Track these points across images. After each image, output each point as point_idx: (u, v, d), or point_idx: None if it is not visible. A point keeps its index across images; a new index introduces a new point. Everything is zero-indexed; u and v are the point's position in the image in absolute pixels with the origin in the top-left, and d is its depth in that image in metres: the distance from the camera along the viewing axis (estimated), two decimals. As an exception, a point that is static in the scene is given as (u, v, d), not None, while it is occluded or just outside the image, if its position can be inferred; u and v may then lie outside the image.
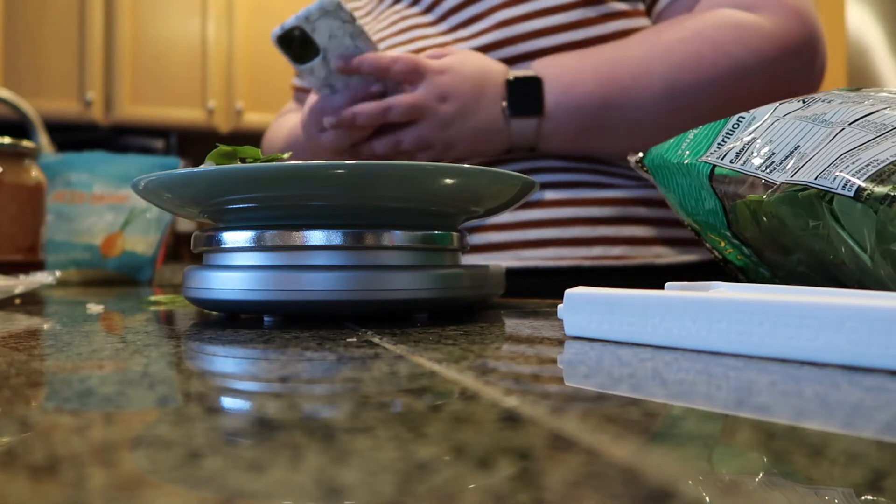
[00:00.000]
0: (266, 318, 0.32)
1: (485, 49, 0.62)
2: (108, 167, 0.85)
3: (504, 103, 0.57)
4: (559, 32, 0.61)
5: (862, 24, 1.84)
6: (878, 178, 0.29)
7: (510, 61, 0.61)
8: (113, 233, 0.83)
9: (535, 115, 0.57)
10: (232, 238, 0.32)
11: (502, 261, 0.61)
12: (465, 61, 0.57)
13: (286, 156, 0.36)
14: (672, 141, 0.40)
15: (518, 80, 0.57)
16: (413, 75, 0.55)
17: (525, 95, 0.57)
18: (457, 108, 0.56)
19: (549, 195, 0.62)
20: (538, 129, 0.58)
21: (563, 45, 0.61)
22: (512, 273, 0.59)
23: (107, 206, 0.83)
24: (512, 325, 0.32)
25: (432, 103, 0.55)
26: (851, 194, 0.29)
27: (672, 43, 0.57)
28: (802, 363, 0.20)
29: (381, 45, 0.68)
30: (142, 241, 0.84)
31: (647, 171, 0.42)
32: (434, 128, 0.56)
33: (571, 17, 0.61)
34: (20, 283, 0.47)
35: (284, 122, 0.80)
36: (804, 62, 0.58)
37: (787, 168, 0.33)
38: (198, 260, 0.38)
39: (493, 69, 0.58)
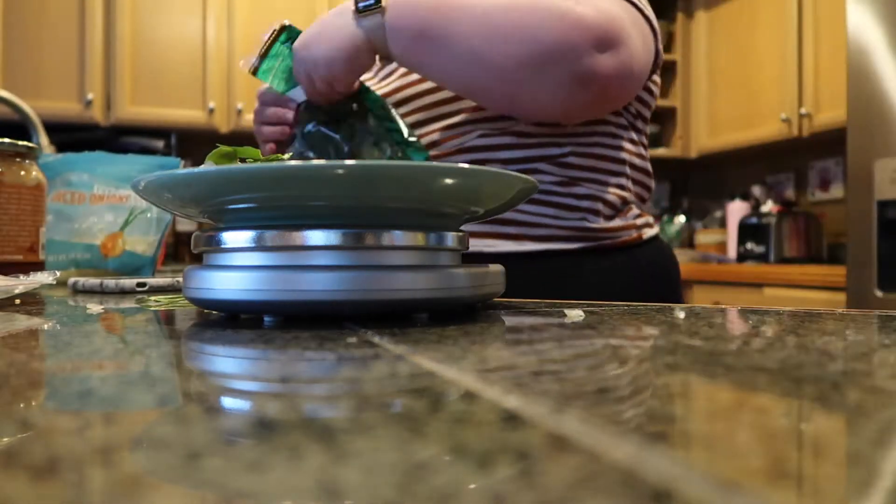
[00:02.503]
0: (266, 318, 0.32)
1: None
2: (108, 167, 0.85)
3: (354, 10, 0.67)
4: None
5: (862, 24, 1.84)
6: None
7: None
8: (113, 233, 0.83)
9: (377, 8, 0.65)
10: (232, 238, 0.32)
11: None
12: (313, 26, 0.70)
13: (286, 156, 0.36)
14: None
15: None
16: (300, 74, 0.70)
17: None
18: (313, 35, 0.68)
19: None
20: (383, 22, 0.65)
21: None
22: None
23: (106, 206, 0.83)
24: (512, 325, 0.32)
25: (299, 67, 0.69)
26: None
27: None
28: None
29: None
30: (142, 241, 0.84)
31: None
32: (300, 61, 0.68)
33: None
34: (20, 283, 0.47)
35: None
36: (582, 46, 0.62)
37: None
38: (198, 260, 0.38)
39: (338, 7, 0.70)
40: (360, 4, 0.66)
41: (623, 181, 0.80)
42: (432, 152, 0.75)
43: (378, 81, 0.80)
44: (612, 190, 0.78)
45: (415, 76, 0.74)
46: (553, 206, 0.75)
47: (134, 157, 0.88)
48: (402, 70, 0.76)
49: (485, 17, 0.63)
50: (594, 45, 0.61)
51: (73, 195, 0.83)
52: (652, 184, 0.85)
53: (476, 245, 0.73)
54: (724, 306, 0.41)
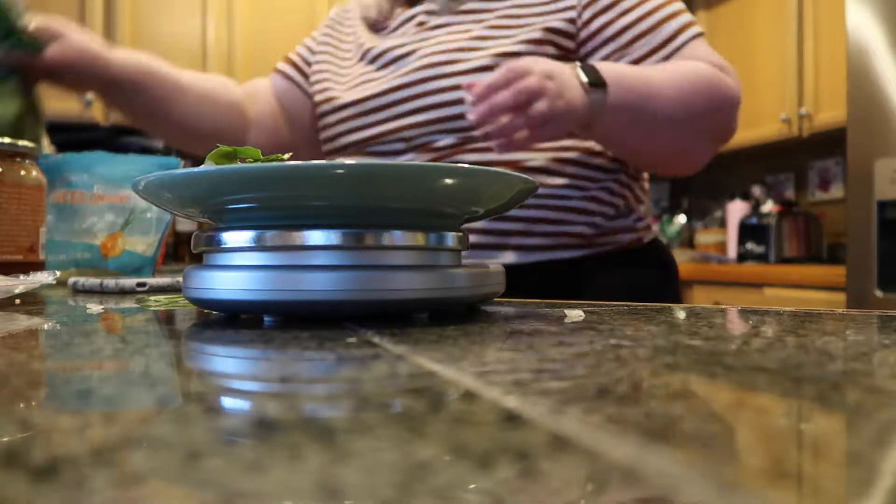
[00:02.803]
0: (266, 318, 0.32)
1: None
2: (108, 167, 0.85)
3: (586, 83, 0.67)
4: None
5: (862, 24, 1.84)
6: None
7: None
8: (113, 233, 0.83)
9: (602, 86, 0.67)
10: (232, 238, 0.32)
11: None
12: (538, 60, 0.67)
13: (286, 156, 0.36)
14: None
15: (582, 66, 0.68)
16: (518, 73, 0.63)
17: (593, 72, 0.68)
18: (559, 83, 0.65)
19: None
20: (605, 102, 0.67)
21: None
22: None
23: (107, 206, 0.83)
24: (512, 325, 0.32)
25: (545, 82, 0.64)
26: None
27: (685, 73, 0.73)
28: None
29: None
30: (142, 242, 0.84)
31: None
32: (552, 99, 0.64)
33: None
34: (20, 283, 0.47)
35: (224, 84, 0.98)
36: (734, 113, 0.79)
37: None
38: (198, 260, 0.38)
39: (556, 63, 0.69)
40: (588, 79, 0.67)
41: (624, 181, 0.82)
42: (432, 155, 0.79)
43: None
44: (615, 191, 0.81)
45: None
46: (562, 210, 0.77)
47: (134, 157, 0.88)
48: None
49: (678, 100, 0.71)
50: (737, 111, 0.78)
51: (74, 195, 0.83)
52: (647, 185, 0.88)
53: (478, 256, 0.75)
54: (724, 306, 0.41)
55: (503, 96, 0.63)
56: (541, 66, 0.65)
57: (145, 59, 0.88)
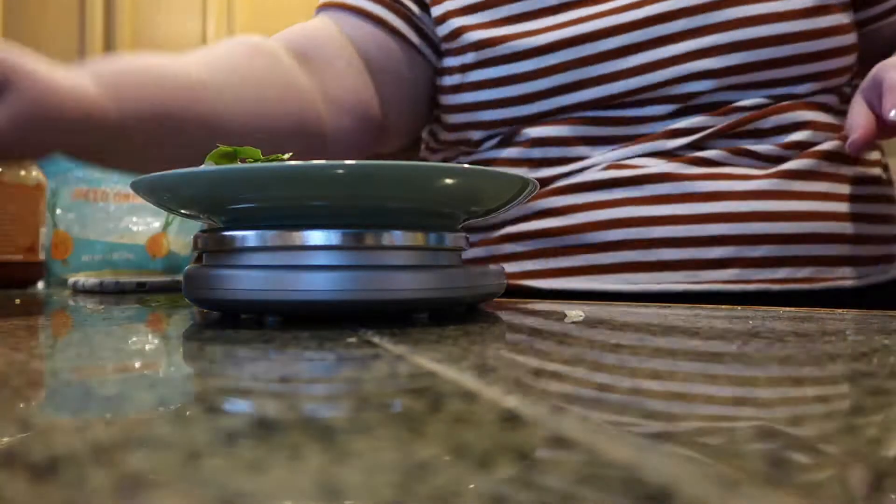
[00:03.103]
0: (266, 318, 0.32)
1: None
2: None
3: None
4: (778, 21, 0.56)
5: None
6: None
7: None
8: (157, 233, 0.82)
9: None
10: (232, 238, 0.32)
11: (675, 282, 0.55)
12: None
13: (287, 156, 0.36)
14: None
15: None
16: None
17: None
18: None
19: (731, 207, 0.55)
20: None
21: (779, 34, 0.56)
22: (687, 297, 0.54)
23: (140, 205, 0.82)
24: (512, 325, 0.32)
25: None
26: None
27: None
28: None
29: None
30: (182, 242, 0.84)
31: None
32: None
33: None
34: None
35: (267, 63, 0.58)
36: None
37: None
38: (198, 260, 0.38)
39: None
40: None
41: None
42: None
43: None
44: None
45: None
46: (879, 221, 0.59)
47: None
48: None
49: None
50: None
51: (96, 193, 0.82)
52: None
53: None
54: (724, 306, 0.41)
55: None
56: None
57: (153, 84, 0.50)
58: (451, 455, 0.12)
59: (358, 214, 0.32)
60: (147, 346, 0.26)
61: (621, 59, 0.58)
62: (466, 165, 0.31)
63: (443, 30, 0.63)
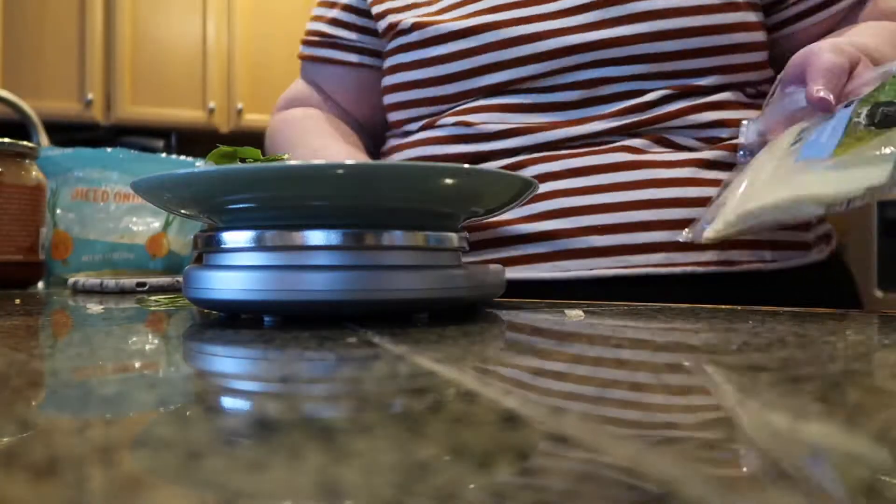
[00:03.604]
0: (266, 318, 0.32)
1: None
2: (129, 165, 0.84)
3: None
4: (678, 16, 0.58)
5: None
6: None
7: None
8: (157, 233, 0.82)
9: None
10: (232, 238, 0.32)
11: (607, 267, 0.57)
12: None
13: (286, 156, 0.36)
14: None
15: None
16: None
17: None
18: None
19: (658, 194, 0.57)
20: None
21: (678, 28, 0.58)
22: (617, 281, 0.56)
23: (139, 205, 0.82)
24: (512, 325, 0.32)
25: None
26: None
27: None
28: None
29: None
30: (182, 242, 0.84)
31: None
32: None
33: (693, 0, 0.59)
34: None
35: (300, 123, 0.75)
36: None
37: None
38: (198, 260, 0.38)
39: None
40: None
41: None
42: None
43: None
44: None
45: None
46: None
47: (149, 156, 0.87)
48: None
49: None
50: None
51: (96, 192, 0.81)
52: None
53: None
54: (724, 306, 0.41)
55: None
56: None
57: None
58: (451, 455, 0.12)
59: (358, 214, 0.32)
60: (147, 346, 0.26)
61: (531, 45, 0.61)
62: (466, 165, 0.31)
63: (381, 24, 0.70)
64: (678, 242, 0.56)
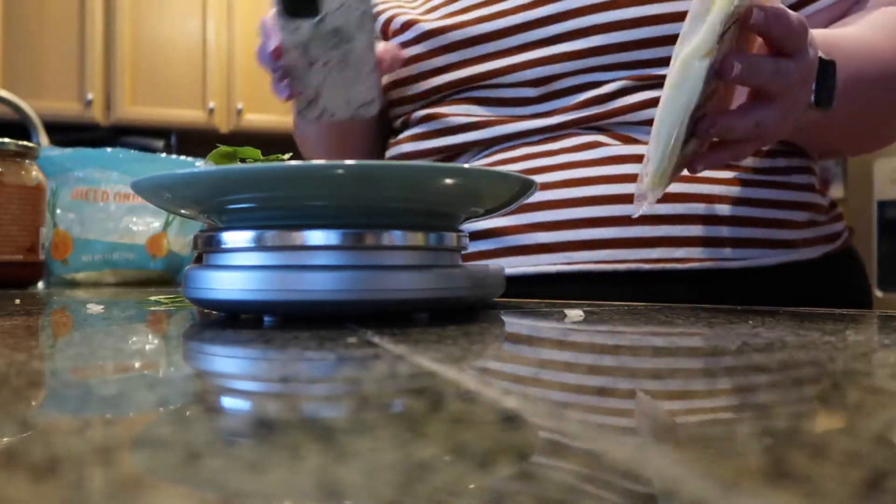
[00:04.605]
0: (266, 318, 0.32)
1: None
2: (130, 165, 0.84)
3: (812, 99, 0.47)
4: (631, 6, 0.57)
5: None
6: None
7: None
8: (157, 233, 0.82)
9: (827, 108, 0.47)
10: (232, 238, 0.32)
11: (550, 264, 0.57)
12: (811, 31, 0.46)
13: (286, 156, 0.36)
14: None
15: (824, 64, 0.47)
16: (793, 41, 0.43)
17: (825, 84, 0.47)
18: (807, 91, 0.46)
19: (607, 191, 0.57)
20: (815, 120, 0.50)
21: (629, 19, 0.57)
22: (562, 278, 0.56)
23: (139, 205, 0.82)
24: (512, 325, 0.32)
25: (797, 89, 0.45)
26: None
27: (888, 22, 0.56)
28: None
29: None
30: (182, 242, 0.84)
31: None
32: (787, 112, 0.45)
33: None
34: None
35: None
36: None
37: None
38: (198, 260, 0.38)
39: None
40: (816, 99, 0.47)
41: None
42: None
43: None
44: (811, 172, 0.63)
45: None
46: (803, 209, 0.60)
47: (151, 156, 0.87)
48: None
49: (893, 58, 0.54)
50: None
51: (96, 192, 0.81)
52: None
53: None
54: (723, 306, 0.41)
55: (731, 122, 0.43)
56: (810, 59, 0.44)
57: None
58: (451, 455, 0.12)
59: (358, 214, 0.32)
60: (147, 346, 0.26)
61: (493, 42, 0.62)
62: (466, 165, 0.31)
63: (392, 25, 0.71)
64: (625, 239, 0.55)
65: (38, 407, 0.16)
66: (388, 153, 0.71)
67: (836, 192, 2.63)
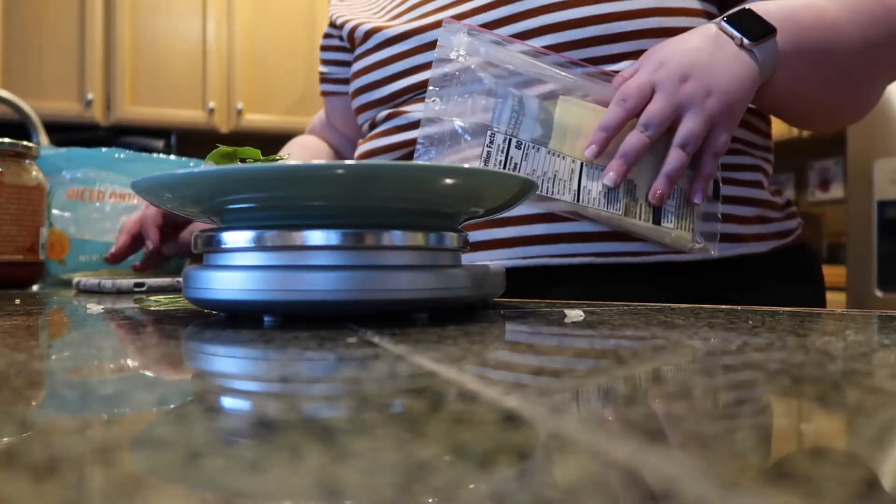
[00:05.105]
0: (266, 318, 0.32)
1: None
2: (120, 165, 0.84)
3: (741, 40, 0.53)
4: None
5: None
6: None
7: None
8: None
9: (771, 32, 0.53)
10: (232, 238, 0.32)
11: (507, 259, 0.59)
12: (664, 48, 0.54)
13: (286, 156, 0.36)
14: None
15: (733, 15, 0.54)
16: (643, 96, 0.52)
17: (750, 23, 0.54)
18: (700, 75, 0.52)
19: None
20: (778, 49, 0.54)
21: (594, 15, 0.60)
22: (518, 273, 0.57)
23: (135, 205, 0.82)
24: (512, 325, 0.32)
25: (677, 93, 0.52)
26: None
27: (856, 3, 0.58)
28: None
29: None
30: None
31: None
32: (696, 108, 0.52)
33: None
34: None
35: (307, 142, 0.91)
36: None
37: None
38: (198, 260, 0.38)
39: (696, 34, 0.55)
40: (745, 34, 0.54)
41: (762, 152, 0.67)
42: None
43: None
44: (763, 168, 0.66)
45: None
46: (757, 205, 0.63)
47: (144, 155, 0.87)
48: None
49: (858, 32, 0.57)
50: None
51: (92, 192, 0.81)
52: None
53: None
54: (723, 306, 0.41)
55: (633, 146, 0.51)
56: (667, 70, 0.52)
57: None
58: (451, 455, 0.12)
59: (358, 214, 0.32)
60: (147, 346, 0.26)
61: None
62: (466, 165, 0.31)
63: (344, 33, 0.76)
64: (578, 234, 0.57)
65: (37, 407, 0.16)
66: (356, 154, 0.73)
67: (836, 192, 2.63)
